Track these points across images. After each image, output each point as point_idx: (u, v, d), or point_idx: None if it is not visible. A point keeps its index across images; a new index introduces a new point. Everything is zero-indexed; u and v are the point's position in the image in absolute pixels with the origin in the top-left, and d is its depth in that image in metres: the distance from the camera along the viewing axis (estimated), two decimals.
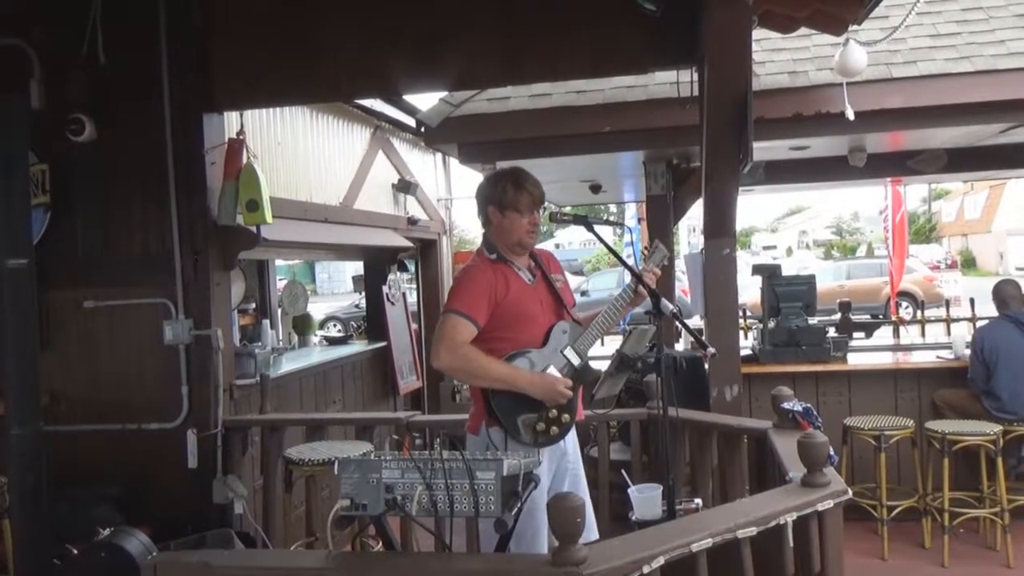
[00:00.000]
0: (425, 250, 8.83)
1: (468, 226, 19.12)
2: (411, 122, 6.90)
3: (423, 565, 2.19)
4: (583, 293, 19.50)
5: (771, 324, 5.67)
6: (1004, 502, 4.69)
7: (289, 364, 5.79)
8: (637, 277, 2.81)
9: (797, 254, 42.74)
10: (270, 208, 4.27)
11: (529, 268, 2.89)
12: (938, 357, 5.63)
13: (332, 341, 7.74)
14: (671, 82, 4.25)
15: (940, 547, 4.74)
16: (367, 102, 6.69)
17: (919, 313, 7.96)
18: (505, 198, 2.78)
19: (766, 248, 49.53)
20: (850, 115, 4.28)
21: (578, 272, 33.08)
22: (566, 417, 2.77)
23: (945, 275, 20.01)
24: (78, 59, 4.12)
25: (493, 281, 2.73)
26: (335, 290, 32.49)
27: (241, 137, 4.31)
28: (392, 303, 7.37)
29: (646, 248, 2.99)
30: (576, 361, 2.80)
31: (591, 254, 36.55)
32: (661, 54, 3.93)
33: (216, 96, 4.29)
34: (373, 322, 7.48)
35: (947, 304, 8.34)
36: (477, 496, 2.01)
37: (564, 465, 2.87)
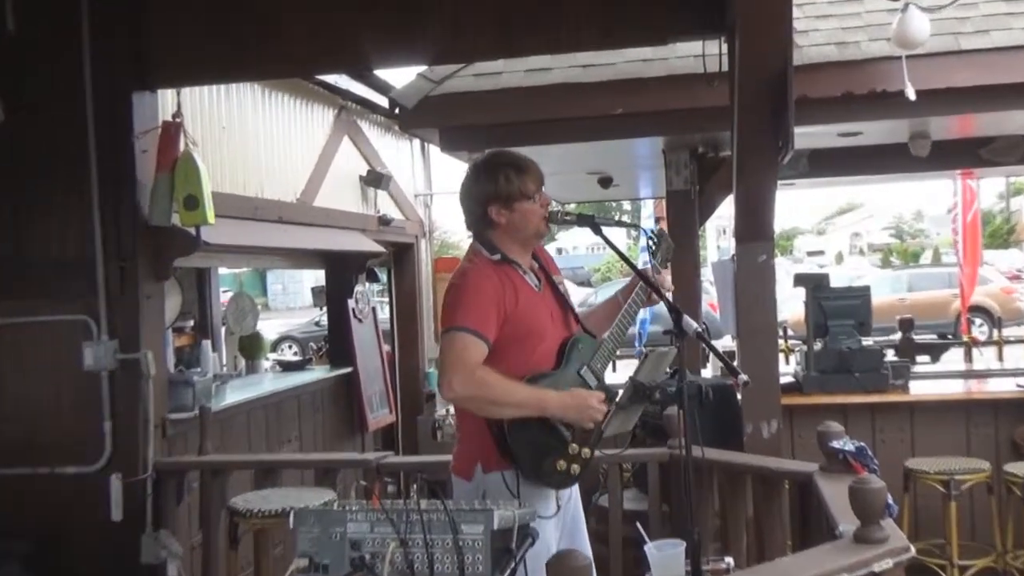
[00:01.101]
0: (400, 256, 8.84)
1: (452, 227, 19.13)
2: (383, 102, 6.92)
3: None
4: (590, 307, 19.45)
5: (817, 346, 5.68)
6: None
7: (235, 394, 5.79)
8: (654, 288, 2.82)
9: (849, 261, 42.89)
10: (212, 206, 4.27)
11: (534, 270, 2.90)
12: (1019, 386, 5.64)
13: (287, 366, 7.74)
14: (696, 55, 4.27)
15: None
16: (331, 78, 6.71)
17: (995, 332, 8.00)
18: (511, 188, 2.78)
19: (811, 254, 49.63)
20: (911, 94, 4.30)
21: (584, 283, 33.10)
22: (587, 452, 2.77)
23: None
24: None
25: (500, 288, 2.72)
26: (291, 304, 32.44)
27: (178, 120, 4.31)
28: (360, 320, 7.38)
29: (651, 240, 3.00)
30: (593, 383, 2.80)
31: (600, 260, 36.69)
32: (684, 21, 3.95)
33: (149, 71, 4.29)
34: (336, 343, 7.48)
35: None
36: (462, 554, 2.01)
37: (567, 510, 2.88)
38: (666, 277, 2.95)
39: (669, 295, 2.84)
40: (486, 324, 2.65)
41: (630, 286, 2.97)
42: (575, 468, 2.74)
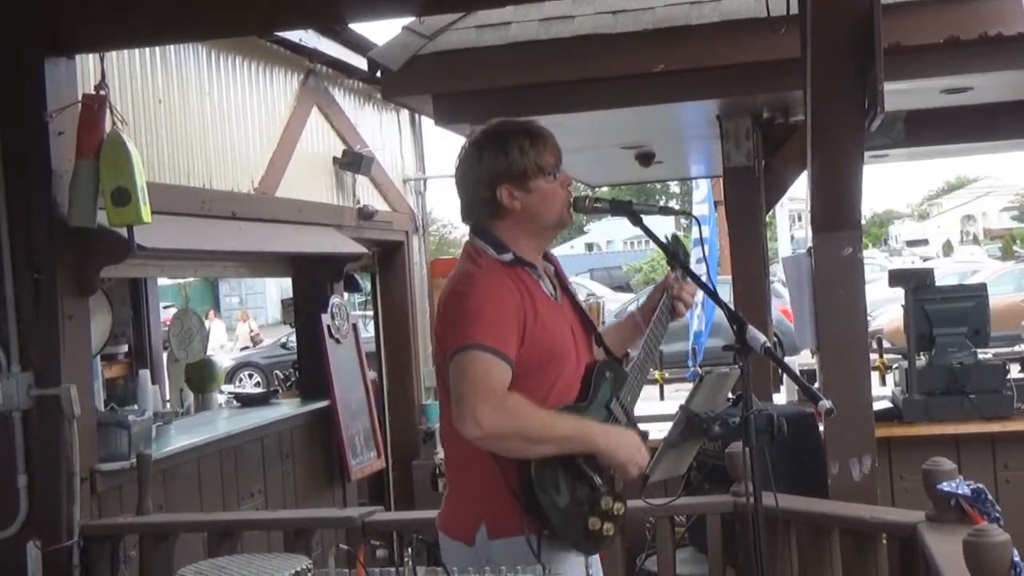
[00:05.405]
0: (386, 257, 8.86)
1: (451, 219, 19.15)
2: (362, 63, 6.94)
3: None
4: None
5: (920, 361, 5.66)
6: None
7: (181, 437, 5.81)
8: (711, 294, 2.83)
9: (960, 251, 42.81)
10: (148, 200, 4.29)
11: (548, 275, 2.91)
12: None
13: (247, 401, 7.76)
14: None
15: None
16: (295, 35, 6.73)
17: None
18: (526, 161, 2.77)
19: (911, 244, 49.60)
20: None
21: (622, 287, 33.12)
22: (619, 507, 2.78)
23: None
24: None
25: (518, 299, 2.71)
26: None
27: (102, 93, 4.33)
28: (337, 340, 7.38)
29: (666, 246, 2.97)
30: (623, 420, 2.82)
31: (641, 258, 36.66)
32: None
33: (64, 31, 4.31)
34: (308, 370, 7.49)
35: None
36: None
37: None
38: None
39: (695, 303, 2.85)
40: (507, 342, 2.64)
41: (651, 300, 2.99)
42: (608, 528, 2.74)
